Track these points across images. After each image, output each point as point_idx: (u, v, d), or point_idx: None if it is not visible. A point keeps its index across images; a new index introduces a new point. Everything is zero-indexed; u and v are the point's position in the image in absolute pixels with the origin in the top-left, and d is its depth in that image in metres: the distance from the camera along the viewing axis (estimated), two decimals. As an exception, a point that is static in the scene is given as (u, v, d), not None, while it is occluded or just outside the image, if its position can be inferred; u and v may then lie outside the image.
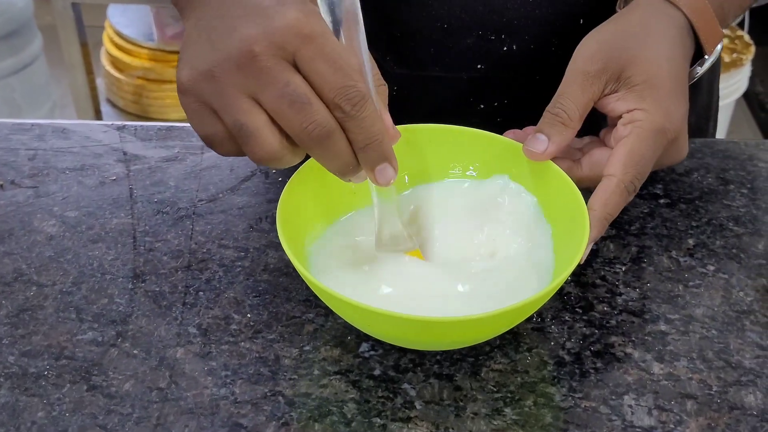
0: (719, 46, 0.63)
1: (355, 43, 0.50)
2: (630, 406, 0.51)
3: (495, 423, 0.50)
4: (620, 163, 0.56)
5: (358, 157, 0.49)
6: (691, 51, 0.62)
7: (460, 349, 0.54)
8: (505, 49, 0.70)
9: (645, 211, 0.65)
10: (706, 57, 0.63)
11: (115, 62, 2.22)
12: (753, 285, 0.60)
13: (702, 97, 0.80)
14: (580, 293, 0.59)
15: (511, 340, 0.55)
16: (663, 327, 0.56)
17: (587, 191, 0.56)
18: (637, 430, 0.50)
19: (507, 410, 0.51)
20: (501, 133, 0.60)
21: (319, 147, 0.48)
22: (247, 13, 0.48)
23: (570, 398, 0.52)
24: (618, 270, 0.61)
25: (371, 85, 0.50)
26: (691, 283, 0.60)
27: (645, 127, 0.56)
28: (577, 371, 0.54)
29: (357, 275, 0.54)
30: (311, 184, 0.56)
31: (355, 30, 0.50)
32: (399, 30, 0.71)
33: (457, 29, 0.70)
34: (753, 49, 1.97)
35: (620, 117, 0.58)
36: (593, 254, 0.61)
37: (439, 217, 0.59)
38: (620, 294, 0.59)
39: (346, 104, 0.47)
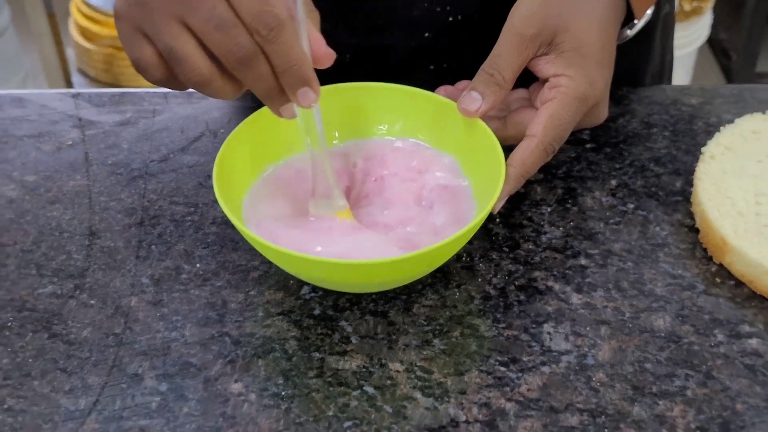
0: (649, 10, 0.66)
1: None
2: (549, 333, 0.56)
3: (424, 353, 0.55)
4: (542, 125, 0.59)
5: (280, 81, 0.52)
6: (623, 15, 0.65)
7: (395, 288, 0.59)
8: (450, 19, 0.73)
9: (572, 155, 0.69)
10: (636, 21, 0.66)
11: (84, 32, 2.23)
12: (669, 220, 0.64)
13: (654, 56, 0.83)
14: (507, 233, 0.63)
15: (442, 278, 0.60)
16: (583, 261, 0.61)
17: (511, 148, 0.60)
18: (554, 353, 0.55)
19: (435, 341, 0.56)
20: None
21: (243, 69, 0.51)
22: None
23: (494, 328, 0.56)
24: (544, 211, 0.65)
25: (300, 11, 0.52)
26: (611, 221, 0.64)
27: (568, 94, 0.60)
28: (501, 304, 0.58)
29: (291, 230, 0.58)
30: (247, 140, 0.60)
31: None
32: (350, 3, 0.74)
33: (403, 1, 0.73)
34: (712, -4, 2.01)
35: (547, 79, 0.61)
36: (521, 197, 0.66)
37: (369, 175, 0.63)
38: (545, 233, 0.63)
39: (262, 29, 0.50)
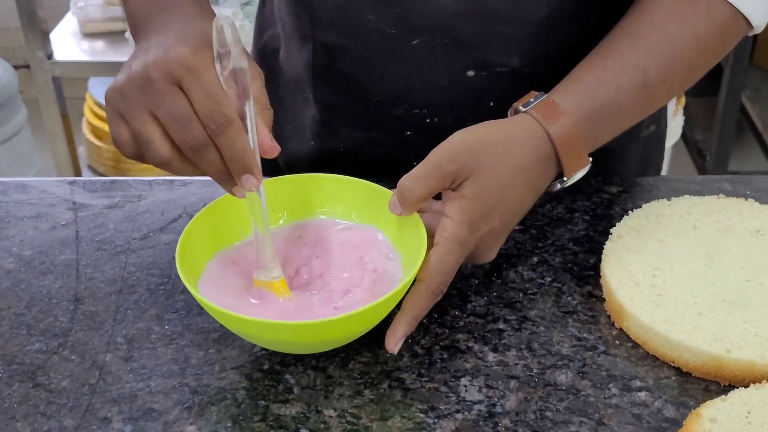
0: (581, 172, 0.72)
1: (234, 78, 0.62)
2: (465, 386, 0.65)
3: (355, 401, 0.63)
4: (428, 269, 0.65)
5: (228, 167, 0.63)
6: (551, 176, 0.71)
7: (336, 348, 0.68)
8: (428, 120, 0.83)
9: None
10: (565, 179, 0.72)
11: (95, 131, 2.38)
12: (580, 291, 0.73)
13: (630, 169, 0.92)
14: (439, 302, 0.72)
15: (377, 339, 0.68)
16: (501, 325, 0.70)
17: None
18: (468, 402, 0.63)
19: (366, 392, 0.64)
20: None
21: (197, 156, 0.62)
22: (156, 46, 0.64)
23: (418, 381, 0.65)
24: (472, 283, 0.74)
25: (249, 110, 0.63)
26: (529, 292, 0.73)
27: (450, 239, 0.66)
28: (426, 361, 0.67)
29: (238, 299, 0.67)
30: (206, 223, 0.70)
31: (241, 73, 0.62)
32: (342, 97, 0.85)
33: (387, 102, 0.83)
34: (683, 99, 2.13)
35: (442, 214, 0.67)
36: (453, 271, 0.75)
37: (310, 251, 0.72)
38: (471, 301, 0.72)
39: (212, 124, 0.61)
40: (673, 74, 0.73)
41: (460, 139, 0.68)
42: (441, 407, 0.63)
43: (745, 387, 0.62)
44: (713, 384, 0.64)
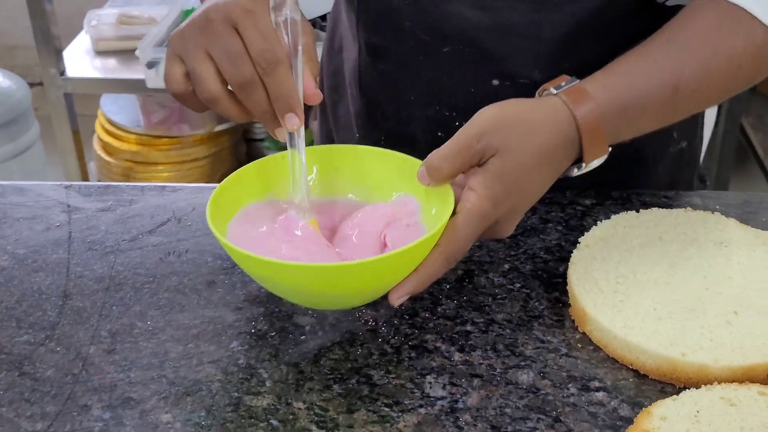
0: (597, 161, 0.73)
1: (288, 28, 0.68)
2: (430, 383, 0.67)
3: (324, 395, 0.66)
4: (445, 237, 0.68)
5: (273, 106, 0.68)
6: (570, 160, 0.73)
7: (307, 343, 0.71)
8: (456, 123, 0.84)
9: (476, 244, 0.82)
10: (583, 165, 0.73)
11: (106, 147, 2.43)
12: (547, 297, 0.76)
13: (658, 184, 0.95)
14: (410, 304, 0.75)
15: (349, 338, 0.71)
16: (469, 327, 0.73)
17: None
18: (431, 398, 0.66)
19: (335, 386, 0.67)
20: None
21: (244, 94, 0.68)
22: None
23: (385, 378, 0.68)
24: (444, 287, 0.77)
25: (299, 58, 0.68)
26: (498, 297, 0.76)
27: (472, 211, 0.68)
28: (395, 359, 0.70)
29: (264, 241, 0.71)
30: (247, 178, 0.75)
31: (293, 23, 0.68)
32: (383, 94, 0.92)
33: (421, 102, 0.90)
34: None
35: (466, 187, 0.70)
36: (427, 276, 0.78)
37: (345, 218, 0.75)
38: (441, 304, 0.75)
39: (263, 62, 0.66)
40: (704, 87, 0.75)
41: (489, 116, 0.71)
42: (405, 402, 0.66)
43: (697, 389, 0.64)
44: (669, 386, 0.67)
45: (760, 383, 0.65)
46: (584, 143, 0.72)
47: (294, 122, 0.68)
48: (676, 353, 0.66)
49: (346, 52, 0.98)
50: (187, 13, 2.26)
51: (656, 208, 0.82)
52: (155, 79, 2.12)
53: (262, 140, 2.58)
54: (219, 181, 0.73)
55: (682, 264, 0.75)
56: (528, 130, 0.71)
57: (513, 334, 0.72)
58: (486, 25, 0.84)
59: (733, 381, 0.65)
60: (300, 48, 0.69)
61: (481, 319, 0.73)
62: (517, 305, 0.75)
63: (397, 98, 0.91)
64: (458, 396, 0.66)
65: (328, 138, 1.06)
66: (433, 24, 0.86)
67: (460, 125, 0.86)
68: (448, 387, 0.67)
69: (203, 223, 0.86)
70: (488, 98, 0.83)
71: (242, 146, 2.59)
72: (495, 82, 0.86)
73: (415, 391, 0.67)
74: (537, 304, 0.75)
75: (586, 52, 0.84)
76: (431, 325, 0.73)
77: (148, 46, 2.10)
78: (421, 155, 0.80)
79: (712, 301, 0.71)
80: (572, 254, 0.77)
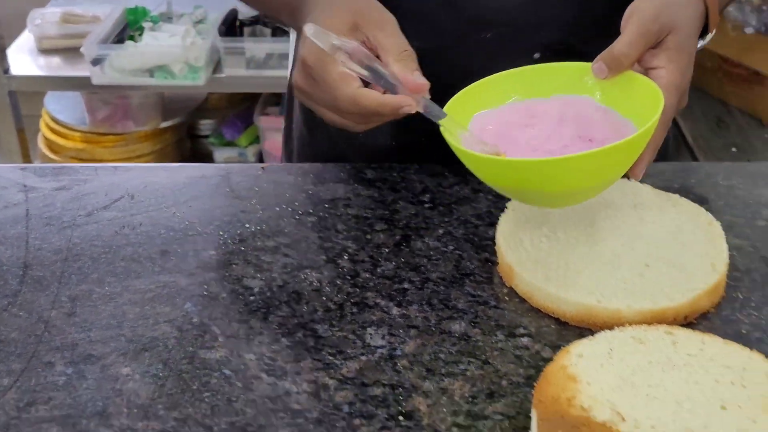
0: (711, 34, 0.85)
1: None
2: (370, 334, 0.73)
3: (273, 347, 0.72)
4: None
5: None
6: (702, 25, 0.83)
7: (257, 303, 0.76)
8: None
9: (412, 212, 0.88)
10: (709, 34, 0.84)
11: (51, 145, 2.44)
12: (478, 258, 0.82)
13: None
14: (352, 267, 0.81)
15: (296, 297, 0.77)
16: (406, 285, 0.79)
17: None
18: (372, 347, 0.72)
19: (283, 339, 0.73)
20: None
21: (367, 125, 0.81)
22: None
23: (329, 331, 0.74)
24: (383, 251, 0.83)
25: (380, 70, 0.76)
26: (433, 258, 0.82)
27: (671, 82, 0.76)
28: (338, 315, 0.75)
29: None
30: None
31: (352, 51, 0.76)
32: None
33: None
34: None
35: (649, 68, 0.77)
36: (366, 242, 0.84)
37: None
38: (381, 266, 0.81)
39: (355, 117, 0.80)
40: None
41: (649, 3, 0.77)
42: (348, 351, 0.72)
43: (611, 330, 0.71)
44: (587, 331, 0.74)
45: (668, 325, 0.72)
46: (710, 15, 0.82)
47: (409, 109, 0.75)
48: (593, 300, 0.73)
49: None
50: (129, 11, 2.29)
51: (577, 176, 0.89)
52: (101, 76, 2.15)
53: (206, 137, 2.62)
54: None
55: (600, 224, 0.82)
56: (683, 5, 0.79)
57: (446, 291, 0.78)
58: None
59: (643, 324, 0.72)
60: (374, 62, 0.76)
61: (417, 278, 0.80)
62: (450, 265, 0.81)
63: (439, 93, 0.89)
64: (396, 344, 0.72)
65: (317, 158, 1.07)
66: (471, 14, 0.91)
67: None
68: (387, 337, 0.73)
69: (156, 199, 0.91)
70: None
71: (186, 142, 2.62)
72: (536, 55, 0.93)
73: (357, 341, 0.73)
74: (468, 263, 0.82)
75: (605, 11, 0.90)
76: (371, 284, 0.79)
77: (93, 44, 2.13)
78: None
79: (627, 255, 0.78)
80: (500, 217, 0.83)
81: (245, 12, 2.26)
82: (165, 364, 0.70)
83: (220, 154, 2.57)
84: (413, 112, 0.76)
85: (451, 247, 0.84)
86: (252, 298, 0.77)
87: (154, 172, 0.95)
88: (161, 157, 2.48)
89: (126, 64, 2.11)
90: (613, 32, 0.82)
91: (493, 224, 0.86)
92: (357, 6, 0.81)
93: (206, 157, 2.60)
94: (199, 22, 2.30)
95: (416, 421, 0.65)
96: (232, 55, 2.16)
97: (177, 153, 2.56)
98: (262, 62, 2.17)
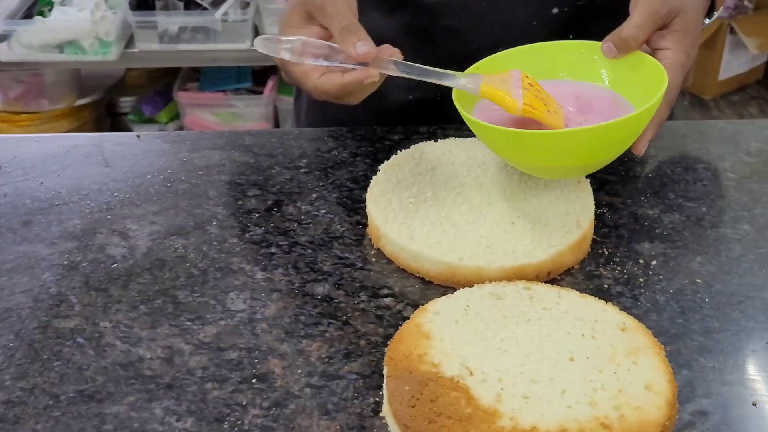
0: (717, 12, 0.87)
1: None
2: (232, 299, 0.72)
3: (131, 315, 0.71)
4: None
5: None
6: (708, 4, 0.85)
7: (118, 270, 0.74)
8: None
9: (286, 177, 0.87)
10: (715, 12, 0.86)
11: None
12: (349, 220, 0.82)
13: None
14: (219, 232, 0.80)
15: (158, 264, 0.76)
16: (273, 250, 0.78)
17: None
18: (232, 312, 0.71)
19: (142, 307, 0.71)
20: None
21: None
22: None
23: (190, 296, 0.73)
24: (252, 216, 0.82)
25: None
26: (304, 222, 0.81)
27: (674, 64, 0.78)
28: (200, 280, 0.74)
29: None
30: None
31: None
32: (442, 51, 0.96)
33: (484, 48, 0.86)
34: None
35: (656, 49, 0.79)
36: (237, 208, 0.83)
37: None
38: (249, 231, 0.80)
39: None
40: None
41: None
42: (207, 316, 0.71)
43: (471, 287, 0.71)
44: (450, 290, 0.74)
45: (528, 281, 0.72)
46: None
47: (371, 79, 0.75)
48: (454, 258, 0.73)
49: (376, 23, 0.94)
50: (40, -15, 2.23)
51: (453, 138, 0.89)
52: (8, 53, 2.10)
53: (126, 114, 2.58)
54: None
55: (469, 183, 0.82)
56: None
57: (313, 254, 0.77)
58: None
59: (505, 280, 0.72)
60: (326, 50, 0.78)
61: (285, 242, 0.79)
62: (320, 228, 0.81)
63: (457, 52, 0.92)
64: (257, 308, 0.71)
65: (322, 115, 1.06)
66: None
67: None
68: (248, 301, 0.72)
69: (23, 170, 0.88)
70: (549, 28, 0.93)
71: (106, 120, 2.58)
72: (555, 10, 0.93)
73: (217, 306, 0.72)
74: (339, 227, 0.81)
75: None
76: (238, 249, 0.78)
77: (0, 19, 2.08)
78: None
79: (493, 213, 0.78)
80: (372, 179, 0.83)
81: (158, -16, 2.21)
82: (16, 334, 0.68)
83: (140, 131, 2.52)
84: (376, 80, 0.76)
85: (323, 211, 0.83)
86: (114, 266, 0.76)
87: (25, 142, 0.93)
88: (79, 135, 2.43)
89: (34, 39, 2.06)
90: None
91: (366, 187, 0.86)
92: None
93: (127, 135, 2.55)
94: (112, -5, 2.25)
95: (270, 383, 0.65)
96: (144, 29, 2.11)
97: (96, 131, 2.51)
98: (175, 36, 2.13)
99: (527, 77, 0.77)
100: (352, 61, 0.76)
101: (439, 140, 0.89)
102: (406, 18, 0.96)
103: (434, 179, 0.82)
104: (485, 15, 0.94)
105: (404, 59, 0.78)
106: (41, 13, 2.15)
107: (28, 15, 2.14)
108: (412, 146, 0.88)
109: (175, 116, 2.51)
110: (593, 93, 0.80)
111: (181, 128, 2.49)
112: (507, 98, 0.74)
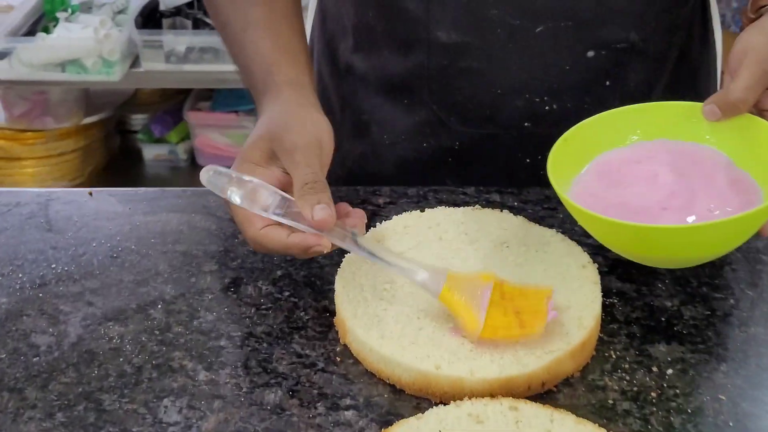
0: None
1: None
2: (165, 407, 0.61)
3: (44, 425, 0.60)
4: None
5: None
6: None
7: (39, 365, 0.64)
8: (546, 108, 0.84)
9: (251, 249, 0.76)
10: None
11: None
12: (315, 306, 0.70)
13: None
14: (164, 318, 0.69)
15: (87, 358, 0.65)
16: (223, 342, 0.67)
17: None
18: (164, 425, 0.60)
19: (58, 414, 0.61)
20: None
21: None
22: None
23: (117, 403, 0.62)
24: (205, 298, 0.71)
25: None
26: (263, 307, 0.70)
27: None
28: (133, 381, 0.64)
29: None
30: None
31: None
32: (461, 95, 0.85)
33: (509, 93, 0.84)
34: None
35: (765, 110, 0.70)
36: (188, 287, 0.72)
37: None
38: (198, 317, 0.69)
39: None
40: None
41: (759, 43, 0.71)
42: (133, 430, 0.60)
43: (445, 405, 0.60)
44: (425, 401, 0.62)
45: (516, 397, 0.60)
46: None
47: (318, 249, 0.67)
48: (430, 366, 0.61)
49: (385, 63, 0.89)
50: (47, 0, 2.15)
51: (442, 207, 0.78)
52: (8, 71, 2.02)
53: (136, 132, 2.49)
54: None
55: (456, 266, 0.70)
56: None
57: (269, 349, 0.66)
58: None
59: (490, 395, 0.61)
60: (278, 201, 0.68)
61: (238, 333, 0.68)
62: (280, 316, 0.70)
63: (479, 96, 0.85)
64: (194, 420, 0.61)
65: (359, 164, 0.95)
66: (524, 5, 0.81)
67: (551, 110, 0.86)
68: (185, 411, 0.61)
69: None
70: (583, 72, 0.84)
71: (115, 138, 2.49)
72: (590, 53, 0.84)
73: (147, 416, 0.61)
74: (303, 314, 0.70)
75: (678, 5, 0.84)
76: (182, 341, 0.67)
77: (0, 36, 2.00)
78: (507, 152, 0.85)
79: (481, 307, 0.67)
80: (343, 259, 0.72)
81: (167, 1, 2.12)
82: None
83: (149, 151, 2.43)
84: (325, 252, 0.67)
85: (286, 293, 0.72)
86: (35, 359, 0.65)
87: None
88: (87, 154, 2.34)
89: (35, 58, 1.97)
90: (672, 28, 0.79)
91: (336, 267, 0.74)
92: (275, 130, 0.71)
93: (136, 155, 2.47)
94: (120, 12, 2.17)
95: None
96: (150, 48, 2.02)
97: (105, 150, 2.43)
98: (182, 56, 2.04)
99: (501, 284, 0.66)
100: (305, 223, 0.66)
101: (426, 210, 0.77)
102: (421, 58, 0.85)
103: (417, 259, 0.71)
104: (510, 57, 0.83)
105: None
106: (46, 30, 2.07)
107: (31, 31, 2.06)
108: (395, 217, 0.76)
109: (186, 136, 2.42)
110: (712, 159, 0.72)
111: (191, 149, 2.40)
112: (466, 316, 0.64)
